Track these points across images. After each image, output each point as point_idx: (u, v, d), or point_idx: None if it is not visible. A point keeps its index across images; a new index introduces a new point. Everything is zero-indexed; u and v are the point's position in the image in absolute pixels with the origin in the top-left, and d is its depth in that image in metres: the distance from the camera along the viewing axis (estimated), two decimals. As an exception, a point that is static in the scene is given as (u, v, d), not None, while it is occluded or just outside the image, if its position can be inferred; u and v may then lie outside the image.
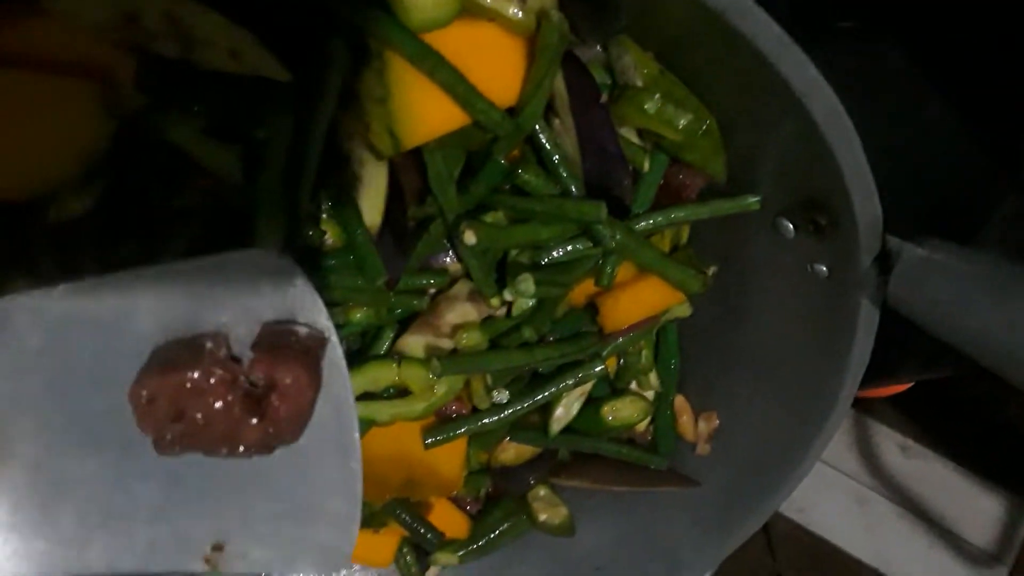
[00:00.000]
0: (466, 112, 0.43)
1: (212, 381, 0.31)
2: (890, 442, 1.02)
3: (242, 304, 0.32)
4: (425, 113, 0.44)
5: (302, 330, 0.33)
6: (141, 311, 0.32)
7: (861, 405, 1.02)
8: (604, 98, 0.47)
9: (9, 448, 0.32)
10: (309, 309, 0.33)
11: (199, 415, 0.31)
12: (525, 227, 0.49)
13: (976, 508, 0.99)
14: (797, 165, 0.46)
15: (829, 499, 1.00)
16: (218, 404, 0.31)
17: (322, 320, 0.34)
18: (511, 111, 0.46)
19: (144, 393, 0.31)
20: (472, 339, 0.52)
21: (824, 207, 0.48)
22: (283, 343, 0.33)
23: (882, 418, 1.03)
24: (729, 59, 0.41)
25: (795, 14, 0.78)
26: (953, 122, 0.78)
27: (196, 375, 0.31)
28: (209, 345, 0.32)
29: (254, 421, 0.32)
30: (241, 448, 0.32)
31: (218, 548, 0.36)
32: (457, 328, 0.53)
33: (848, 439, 1.02)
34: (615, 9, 0.44)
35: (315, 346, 0.33)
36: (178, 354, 0.32)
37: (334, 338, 0.34)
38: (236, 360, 0.32)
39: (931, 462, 0.99)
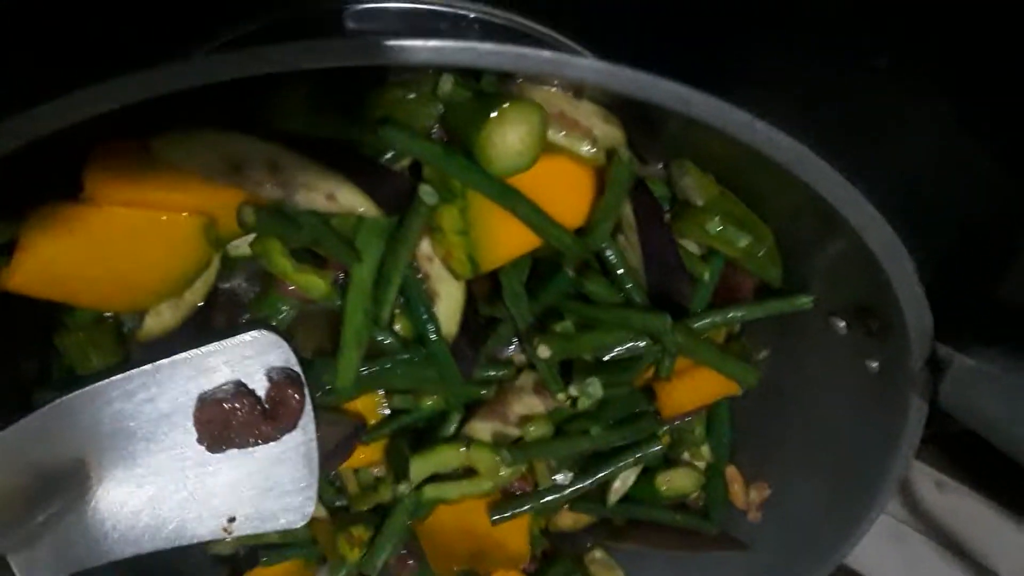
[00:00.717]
0: (541, 238, 0.46)
1: (242, 406, 0.49)
2: (926, 478, 1.03)
3: (256, 360, 0.49)
4: (503, 241, 0.47)
5: (292, 371, 0.50)
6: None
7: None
8: (667, 217, 0.50)
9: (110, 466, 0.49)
10: (292, 360, 0.50)
11: (236, 424, 0.50)
12: (592, 335, 0.52)
13: (1013, 544, 1.00)
14: (849, 278, 0.49)
15: (868, 535, 1.02)
16: (246, 419, 0.50)
17: (296, 366, 0.50)
18: (580, 230, 0.49)
19: (204, 418, 0.49)
20: (540, 431, 0.55)
21: (876, 314, 0.50)
22: (283, 378, 0.50)
23: (917, 454, 1.04)
24: (790, 193, 0.43)
25: (825, 51, 0.80)
26: (986, 157, 0.80)
27: (234, 405, 0.49)
28: (240, 388, 0.50)
29: (268, 422, 0.50)
30: (262, 438, 0.51)
31: (231, 519, 0.53)
32: (523, 418, 0.56)
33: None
34: (672, 140, 0.47)
35: (298, 379, 0.50)
36: (222, 394, 0.49)
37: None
38: (253, 392, 0.50)
39: (967, 499, 1.01)
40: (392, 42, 0.33)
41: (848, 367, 0.55)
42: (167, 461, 0.50)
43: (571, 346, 0.52)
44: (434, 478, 0.58)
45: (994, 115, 0.75)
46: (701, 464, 0.66)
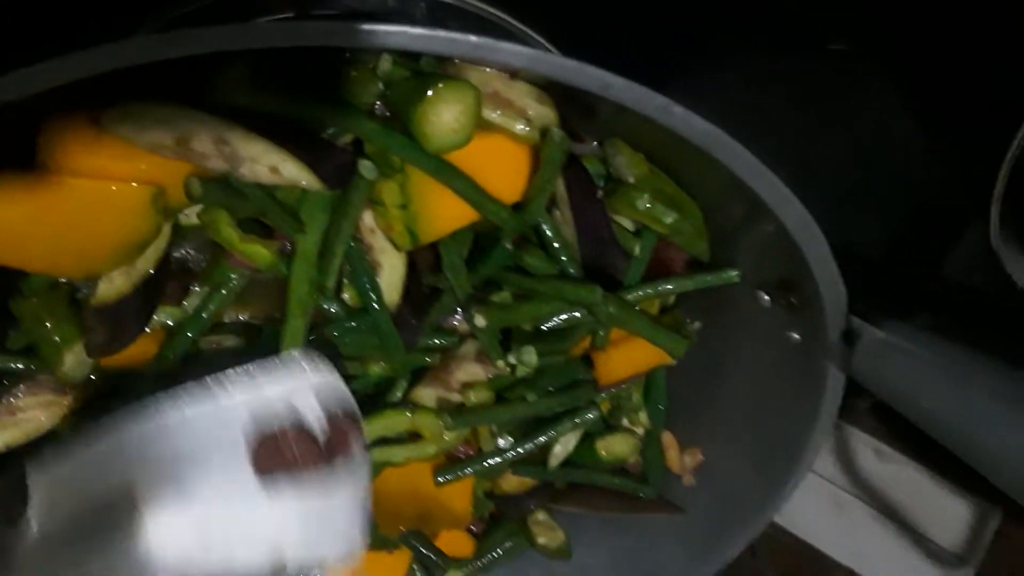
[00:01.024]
0: (478, 212, 0.49)
1: (299, 442, 0.49)
2: (865, 446, 1.08)
3: (312, 393, 0.50)
4: (441, 215, 0.49)
5: (350, 409, 0.51)
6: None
7: (840, 410, 1.08)
8: (600, 193, 0.53)
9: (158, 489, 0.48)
10: (349, 399, 0.51)
11: (291, 458, 0.50)
12: (529, 305, 0.55)
13: (946, 512, 1.05)
14: (771, 254, 0.52)
15: (809, 502, 1.06)
16: (303, 455, 0.49)
17: (354, 405, 0.51)
18: (517, 205, 0.52)
19: (260, 449, 0.49)
20: (481, 397, 0.58)
21: (795, 288, 0.53)
22: (341, 415, 0.50)
23: (856, 422, 1.08)
24: (713, 173, 0.46)
25: (787, 34, 0.83)
26: (928, 145, 0.83)
27: (290, 439, 0.49)
28: (296, 423, 0.50)
29: (324, 458, 0.50)
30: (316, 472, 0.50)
31: (279, 549, 0.51)
32: (466, 384, 0.59)
33: (827, 444, 1.08)
34: (604, 121, 0.49)
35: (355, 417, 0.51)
36: (279, 424, 0.49)
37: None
38: (310, 430, 0.50)
39: (904, 467, 1.05)
40: (323, 25, 0.35)
41: (772, 338, 0.59)
42: (216, 485, 0.49)
43: (508, 316, 0.55)
44: (381, 442, 0.61)
45: (915, 103, 0.78)
46: (639, 430, 0.70)
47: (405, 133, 0.46)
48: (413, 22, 0.52)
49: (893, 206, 0.87)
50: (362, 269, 0.51)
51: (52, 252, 0.48)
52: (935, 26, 0.78)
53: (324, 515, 0.51)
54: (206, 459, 0.48)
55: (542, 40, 0.60)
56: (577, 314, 0.57)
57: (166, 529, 0.48)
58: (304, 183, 0.46)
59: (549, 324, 0.57)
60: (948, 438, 0.49)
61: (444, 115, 0.44)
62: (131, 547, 0.47)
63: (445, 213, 0.49)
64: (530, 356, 0.55)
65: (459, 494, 0.64)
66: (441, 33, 0.38)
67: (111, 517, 0.47)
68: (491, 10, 0.60)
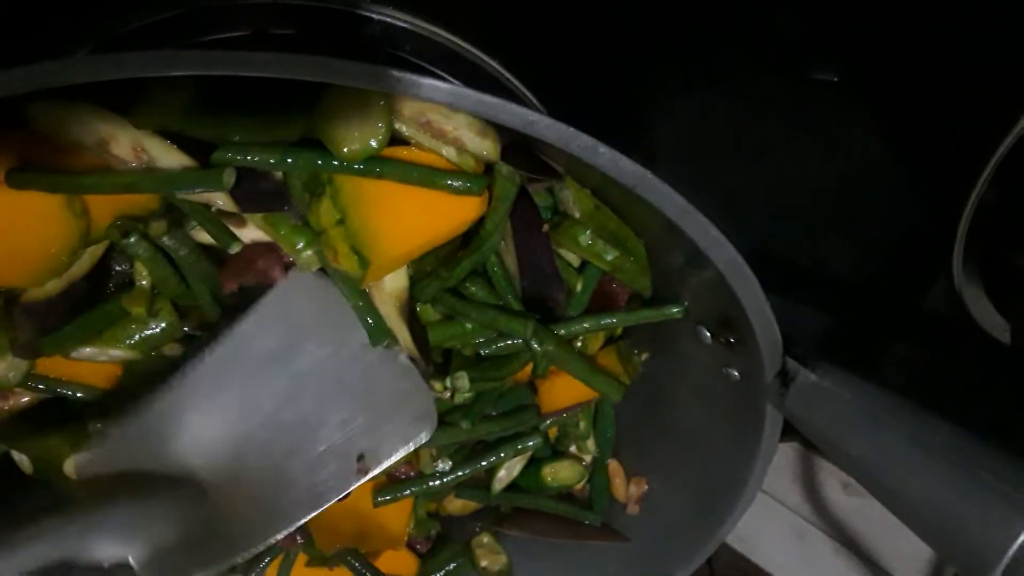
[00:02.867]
0: (428, 186, 0.48)
1: None
2: (832, 479, 1.07)
3: None
4: (387, 231, 0.49)
5: None
6: None
7: (807, 442, 1.08)
8: (545, 227, 0.53)
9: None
10: None
11: None
12: (453, 325, 0.55)
13: (908, 548, 1.05)
14: (711, 293, 0.52)
15: (771, 531, 1.06)
16: None
17: None
18: (471, 233, 0.52)
19: None
20: None
21: (733, 327, 0.53)
22: None
23: (826, 455, 1.08)
24: (652, 212, 0.46)
25: (774, 62, 0.83)
26: (898, 185, 0.83)
27: None
28: None
29: None
30: None
31: (360, 458, 0.54)
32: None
33: (793, 474, 1.08)
34: (551, 167, 0.49)
35: None
36: None
37: None
38: None
39: (869, 500, 1.04)
40: (236, 54, 0.35)
41: (714, 374, 0.59)
42: (285, 420, 0.52)
43: (430, 331, 0.55)
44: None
45: (887, 140, 0.78)
46: (587, 458, 0.70)
47: (320, 148, 0.46)
48: (362, 47, 0.53)
49: (861, 242, 0.87)
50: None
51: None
52: (912, 66, 0.79)
53: (382, 400, 0.53)
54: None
55: (498, 66, 0.60)
56: (515, 341, 0.57)
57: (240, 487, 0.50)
58: (219, 203, 0.47)
59: (487, 350, 0.57)
60: (867, 482, 0.49)
61: (349, 117, 0.44)
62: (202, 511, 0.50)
63: (390, 229, 0.49)
64: (463, 381, 0.55)
65: (396, 515, 0.64)
66: (363, 67, 0.38)
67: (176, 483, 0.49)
68: (451, 38, 0.61)
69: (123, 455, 0.51)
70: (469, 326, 0.55)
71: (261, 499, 0.53)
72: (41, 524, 0.46)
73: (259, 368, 0.52)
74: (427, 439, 0.54)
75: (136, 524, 0.48)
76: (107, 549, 0.47)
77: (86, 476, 0.54)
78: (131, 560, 0.48)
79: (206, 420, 0.52)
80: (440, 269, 0.52)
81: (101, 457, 0.51)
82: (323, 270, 0.52)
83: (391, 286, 0.54)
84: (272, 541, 0.54)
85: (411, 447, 0.55)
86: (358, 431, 0.54)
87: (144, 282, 0.52)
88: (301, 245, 0.49)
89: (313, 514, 0.54)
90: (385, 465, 0.54)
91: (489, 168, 0.50)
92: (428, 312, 0.56)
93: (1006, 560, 0.42)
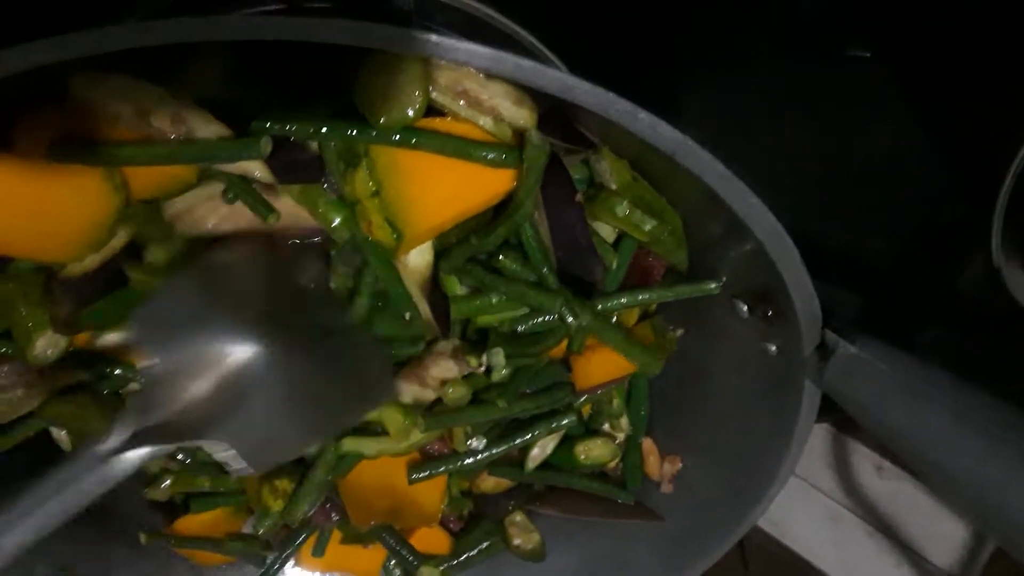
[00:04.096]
0: (466, 157, 0.48)
1: None
2: (866, 462, 1.06)
3: None
4: (420, 202, 0.49)
5: None
6: None
7: (840, 424, 1.07)
8: (579, 197, 0.52)
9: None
10: None
11: None
12: (479, 298, 0.55)
13: (942, 531, 1.03)
14: (749, 266, 0.51)
15: (804, 514, 1.05)
16: None
17: None
18: (502, 204, 0.52)
19: None
20: (458, 393, 0.58)
21: (771, 300, 0.53)
22: None
23: (860, 437, 1.07)
24: (691, 183, 0.45)
25: (807, 38, 0.82)
26: (936, 160, 0.82)
27: None
28: None
29: None
30: None
31: None
32: (440, 381, 0.59)
33: (826, 457, 1.07)
34: (586, 138, 0.49)
35: None
36: None
37: None
38: None
39: (904, 484, 1.04)
40: (275, 20, 0.35)
41: (751, 349, 0.58)
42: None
43: (459, 307, 0.55)
44: (354, 432, 0.61)
45: (924, 115, 0.77)
46: (620, 435, 0.69)
47: (355, 118, 0.46)
48: (395, 18, 0.53)
49: (899, 220, 0.86)
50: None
51: (28, 235, 0.48)
52: (947, 40, 0.78)
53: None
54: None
55: (531, 37, 0.60)
56: (551, 318, 0.57)
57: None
58: (257, 174, 0.47)
59: (523, 327, 0.57)
60: (907, 455, 0.48)
61: (387, 86, 0.44)
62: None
63: (424, 201, 0.49)
64: (498, 357, 0.55)
65: (430, 492, 0.64)
66: (403, 31, 0.38)
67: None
68: (483, 8, 0.60)
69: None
70: (495, 300, 0.54)
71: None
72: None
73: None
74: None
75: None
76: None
77: None
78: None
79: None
80: (472, 237, 0.52)
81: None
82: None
83: (415, 263, 0.54)
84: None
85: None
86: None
87: (152, 259, 0.52)
88: (337, 221, 0.49)
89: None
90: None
91: (522, 139, 0.50)
92: (453, 285, 0.56)
93: (1050, 531, 0.41)
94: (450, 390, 0.58)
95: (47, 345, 0.53)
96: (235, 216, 0.50)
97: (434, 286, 0.55)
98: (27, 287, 0.52)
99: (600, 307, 0.56)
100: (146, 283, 0.52)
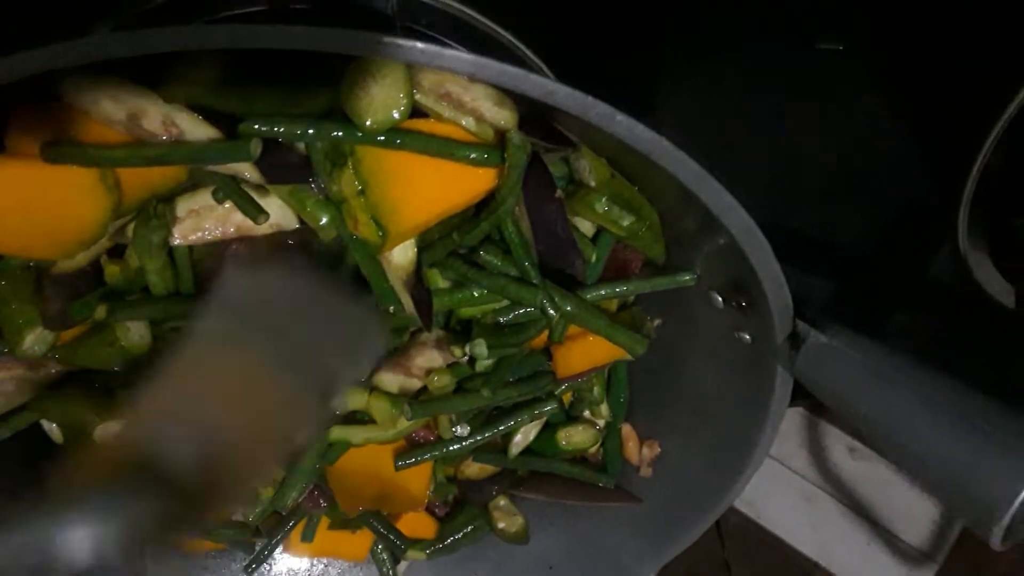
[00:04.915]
0: (450, 157, 0.50)
1: None
2: (839, 444, 1.09)
3: None
4: (405, 202, 0.51)
5: None
6: None
7: (814, 407, 1.10)
8: (559, 193, 0.54)
9: None
10: None
11: None
12: (461, 291, 0.57)
13: (913, 511, 1.07)
14: (723, 258, 0.53)
15: (779, 495, 1.08)
16: None
17: None
18: (485, 201, 0.53)
19: None
20: (442, 381, 0.60)
21: (745, 291, 0.55)
22: None
23: (833, 420, 1.10)
24: (666, 180, 0.47)
25: (780, 31, 0.84)
26: (905, 150, 0.84)
27: None
28: None
29: None
30: None
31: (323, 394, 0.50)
32: (425, 370, 0.61)
33: (800, 440, 1.10)
34: (565, 137, 0.51)
35: None
36: None
37: None
38: None
39: (876, 465, 1.07)
40: (261, 29, 0.37)
41: (726, 338, 0.60)
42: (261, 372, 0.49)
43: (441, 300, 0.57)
44: (341, 420, 0.63)
45: (894, 106, 0.79)
46: (600, 422, 0.71)
47: (344, 120, 0.47)
48: (379, 20, 0.54)
49: (869, 211, 0.88)
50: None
51: (21, 234, 0.49)
52: (917, 36, 0.79)
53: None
54: None
55: (511, 36, 0.61)
56: (532, 309, 0.58)
57: None
58: (247, 175, 0.48)
59: (505, 318, 0.59)
60: (876, 439, 0.50)
61: (373, 89, 0.46)
62: None
63: (409, 199, 0.50)
64: (480, 348, 0.57)
65: (417, 478, 0.65)
66: (389, 39, 0.39)
67: None
68: (465, 10, 0.62)
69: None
70: (477, 293, 0.56)
71: (240, 447, 0.53)
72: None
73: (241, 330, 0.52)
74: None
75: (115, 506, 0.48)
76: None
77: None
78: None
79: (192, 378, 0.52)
80: (454, 233, 0.53)
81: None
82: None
83: (398, 260, 0.55)
84: (247, 488, 0.56)
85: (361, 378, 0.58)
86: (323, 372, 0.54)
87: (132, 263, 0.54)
88: (325, 220, 0.50)
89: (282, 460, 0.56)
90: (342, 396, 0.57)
91: (503, 139, 0.51)
92: (436, 279, 0.57)
93: (1012, 510, 0.44)
94: (435, 379, 0.60)
95: (35, 340, 0.54)
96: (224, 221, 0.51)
97: (417, 280, 0.57)
98: (18, 285, 0.53)
99: (583, 298, 0.57)
100: (117, 278, 0.53)
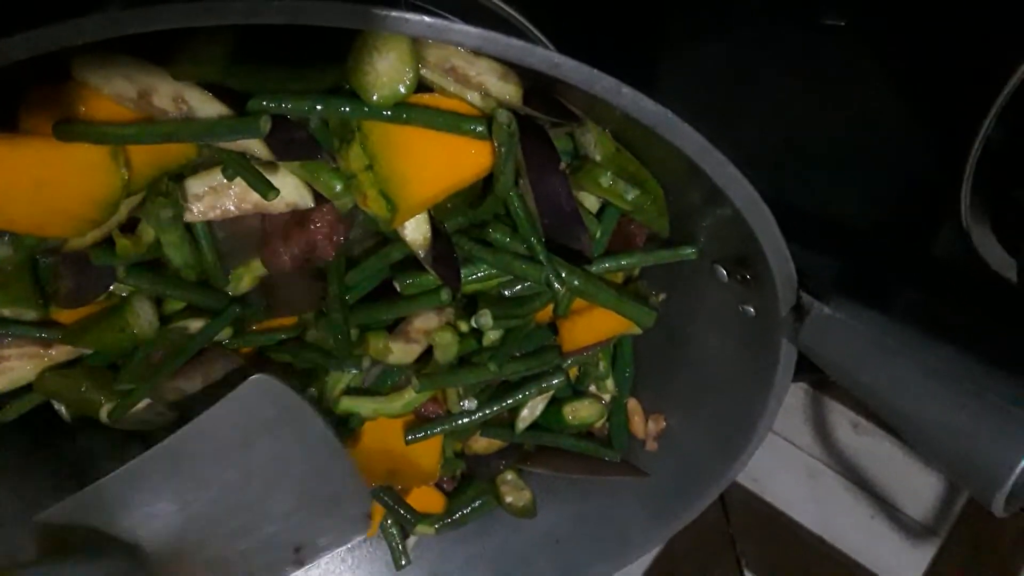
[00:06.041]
0: (456, 131, 0.50)
1: None
2: (843, 419, 1.10)
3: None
4: (413, 176, 0.51)
5: None
6: None
7: (818, 383, 1.11)
8: (563, 165, 0.54)
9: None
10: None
11: None
12: (468, 267, 0.58)
13: (917, 485, 1.07)
14: (727, 232, 0.54)
15: (783, 470, 1.09)
16: None
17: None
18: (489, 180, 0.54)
19: None
20: (443, 339, 0.60)
21: (749, 264, 0.55)
22: None
23: (836, 395, 1.11)
24: (671, 153, 0.48)
25: (782, 7, 0.84)
26: (909, 126, 0.85)
27: None
28: None
29: None
30: None
31: (297, 549, 0.55)
32: (424, 332, 0.61)
33: (804, 415, 1.10)
34: (570, 112, 0.51)
35: None
36: None
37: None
38: None
39: (879, 440, 1.07)
40: (273, 4, 0.37)
41: (730, 311, 0.61)
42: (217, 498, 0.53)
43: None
44: (350, 392, 0.64)
45: (898, 81, 0.79)
46: (606, 396, 0.72)
47: (351, 95, 0.48)
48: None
49: (873, 185, 0.88)
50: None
51: (32, 212, 0.50)
52: (920, 11, 0.79)
53: (325, 499, 0.55)
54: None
55: (513, 12, 0.61)
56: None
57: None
58: (256, 152, 0.49)
59: (510, 291, 0.59)
60: (880, 409, 0.51)
61: (379, 64, 0.46)
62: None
63: (416, 174, 0.51)
64: (485, 318, 0.58)
65: (427, 452, 0.66)
66: (396, 14, 0.40)
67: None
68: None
69: (78, 517, 0.53)
70: (483, 271, 0.57)
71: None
72: None
73: (214, 457, 0.54)
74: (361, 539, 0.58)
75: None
76: None
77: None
78: None
79: (158, 496, 0.54)
80: (466, 208, 0.54)
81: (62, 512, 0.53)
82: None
83: (412, 236, 0.56)
84: None
85: (347, 545, 0.59)
86: (298, 523, 0.56)
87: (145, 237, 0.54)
88: (339, 188, 0.51)
89: None
90: (319, 557, 0.57)
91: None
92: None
93: (1014, 476, 0.44)
94: (436, 337, 0.61)
95: None
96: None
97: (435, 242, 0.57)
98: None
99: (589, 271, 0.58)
100: (129, 252, 0.54)
